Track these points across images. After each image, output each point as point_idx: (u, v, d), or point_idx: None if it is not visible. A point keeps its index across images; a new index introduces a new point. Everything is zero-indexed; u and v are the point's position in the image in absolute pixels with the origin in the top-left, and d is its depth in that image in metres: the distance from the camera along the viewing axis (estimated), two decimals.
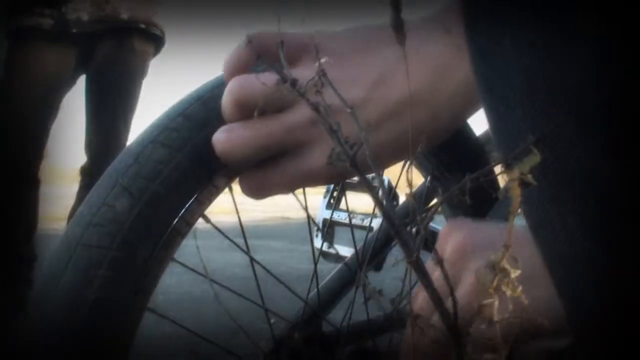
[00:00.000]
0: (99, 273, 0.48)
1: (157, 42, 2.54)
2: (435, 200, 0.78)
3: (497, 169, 0.38)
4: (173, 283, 2.77)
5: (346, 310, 0.70)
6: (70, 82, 2.47)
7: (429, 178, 0.76)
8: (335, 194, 0.96)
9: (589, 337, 0.30)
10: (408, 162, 0.39)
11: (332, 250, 0.89)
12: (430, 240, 0.40)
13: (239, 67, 0.50)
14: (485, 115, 0.31)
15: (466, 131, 0.75)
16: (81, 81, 2.50)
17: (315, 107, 0.31)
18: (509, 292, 0.25)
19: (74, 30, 2.27)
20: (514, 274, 0.25)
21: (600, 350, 0.29)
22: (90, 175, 2.39)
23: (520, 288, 0.25)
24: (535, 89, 0.26)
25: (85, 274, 0.47)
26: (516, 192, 0.23)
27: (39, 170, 2.35)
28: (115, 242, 0.49)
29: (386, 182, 0.92)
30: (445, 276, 0.39)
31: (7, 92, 2.30)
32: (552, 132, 0.26)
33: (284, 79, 0.30)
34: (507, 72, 0.27)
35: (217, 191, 0.56)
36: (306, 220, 0.68)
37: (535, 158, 0.23)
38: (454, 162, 0.74)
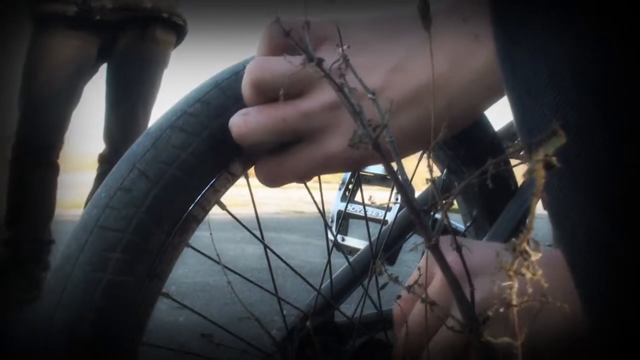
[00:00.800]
0: (114, 256, 0.48)
1: (179, 32, 2.55)
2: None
3: (514, 161, 0.38)
4: (186, 273, 2.79)
5: (358, 301, 0.70)
6: (92, 70, 2.49)
7: (445, 171, 0.76)
8: (350, 186, 0.96)
9: (605, 327, 0.29)
10: (427, 150, 0.39)
11: (345, 242, 0.89)
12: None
13: (270, 50, 0.49)
14: (509, 101, 0.31)
15: (484, 125, 0.75)
16: (103, 69, 2.52)
17: (340, 88, 0.31)
18: (528, 275, 0.25)
19: (97, 18, 2.29)
20: (535, 256, 0.25)
21: (617, 342, 0.29)
22: (108, 163, 2.41)
23: (540, 271, 0.25)
24: (561, 75, 0.26)
25: (100, 256, 0.48)
26: (540, 174, 0.23)
27: (58, 155, 2.37)
28: (131, 226, 0.49)
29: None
30: (464, 263, 0.39)
31: (29, 78, 2.32)
32: (576, 119, 0.25)
33: (310, 58, 0.30)
34: (533, 56, 0.27)
35: (233, 179, 0.56)
36: (320, 214, 0.68)
37: (560, 140, 0.23)
38: (470, 156, 0.73)
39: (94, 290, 0.47)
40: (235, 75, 0.55)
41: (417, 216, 0.32)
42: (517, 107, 0.30)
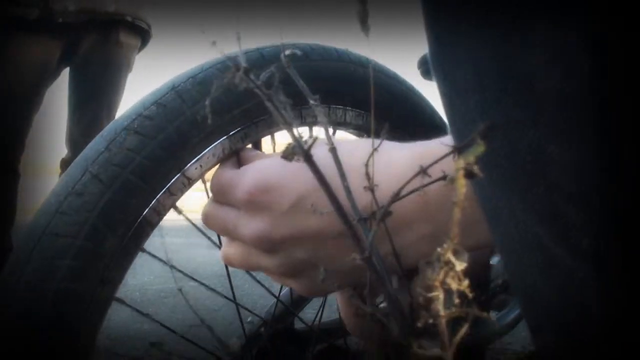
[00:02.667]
0: (64, 263, 0.47)
1: (143, 36, 2.52)
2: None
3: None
4: (151, 280, 2.75)
5: (318, 308, 0.70)
6: (54, 73, 2.44)
7: None
8: None
9: (544, 327, 0.30)
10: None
11: None
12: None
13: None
14: (442, 103, 0.31)
15: (439, 127, 0.75)
16: (65, 73, 2.47)
17: (269, 99, 0.30)
18: (454, 286, 0.25)
19: (60, 21, 2.24)
20: (460, 266, 0.25)
21: (556, 340, 0.29)
22: None
23: (466, 281, 0.25)
24: (486, 76, 0.26)
25: (49, 264, 0.47)
26: (461, 183, 0.23)
27: (19, 162, 2.32)
28: (82, 231, 0.48)
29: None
30: (395, 254, 0.38)
31: None
32: (502, 120, 0.26)
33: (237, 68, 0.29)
34: (459, 60, 0.27)
35: (190, 183, 0.55)
36: None
37: (479, 148, 0.23)
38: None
39: (41, 299, 0.46)
40: (192, 78, 0.55)
41: (348, 226, 0.32)
42: (447, 109, 0.31)
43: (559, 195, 0.25)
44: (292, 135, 0.29)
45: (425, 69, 0.94)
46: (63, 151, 2.48)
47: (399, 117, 0.70)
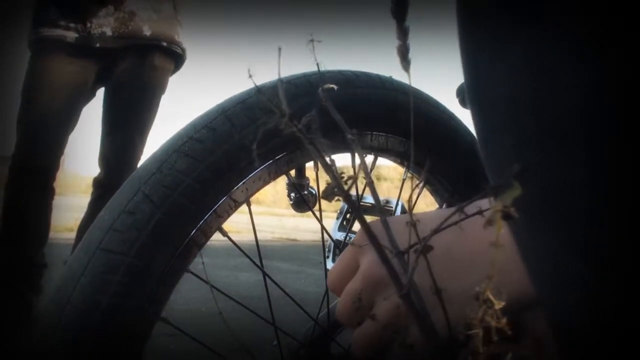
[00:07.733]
0: (115, 279, 0.48)
1: (177, 59, 2.56)
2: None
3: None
4: (177, 300, 2.76)
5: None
6: (90, 94, 2.49)
7: (444, 205, 0.76)
8: (348, 215, 0.96)
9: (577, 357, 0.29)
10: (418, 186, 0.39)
11: None
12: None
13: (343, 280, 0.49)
14: (478, 141, 0.32)
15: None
16: (100, 93, 2.52)
17: (312, 142, 0.30)
18: (493, 323, 0.25)
19: (97, 45, 2.30)
20: (498, 305, 0.25)
21: None
22: (103, 187, 2.40)
23: (505, 319, 0.25)
24: (521, 115, 0.26)
25: (101, 279, 0.48)
26: (499, 225, 0.24)
27: (54, 179, 2.36)
28: (133, 249, 0.49)
29: (400, 208, 0.92)
30: (437, 290, 0.38)
31: (27, 101, 2.33)
32: (538, 159, 0.26)
33: (282, 114, 0.30)
34: (496, 98, 0.28)
35: (236, 205, 0.57)
36: (314, 242, 0.68)
37: (515, 190, 0.24)
38: (470, 191, 0.74)
39: (93, 313, 0.47)
40: (242, 103, 0.56)
41: (385, 263, 0.32)
42: (483, 147, 0.31)
43: (597, 229, 0.25)
44: (333, 176, 0.29)
45: (464, 97, 0.94)
46: (96, 170, 2.52)
47: (439, 144, 0.71)
